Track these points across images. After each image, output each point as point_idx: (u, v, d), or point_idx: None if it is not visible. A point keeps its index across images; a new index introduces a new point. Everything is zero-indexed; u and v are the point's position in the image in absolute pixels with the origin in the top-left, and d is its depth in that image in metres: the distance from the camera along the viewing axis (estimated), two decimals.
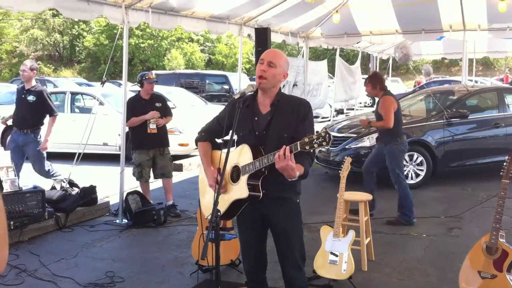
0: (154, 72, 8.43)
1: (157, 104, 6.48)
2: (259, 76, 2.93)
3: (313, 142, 2.56)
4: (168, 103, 7.18)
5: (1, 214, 1.29)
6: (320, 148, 2.56)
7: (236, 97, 2.95)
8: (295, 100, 3.10)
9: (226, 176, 2.98)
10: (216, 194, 2.74)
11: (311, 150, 2.60)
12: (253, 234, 3.14)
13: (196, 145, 3.27)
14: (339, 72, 13.26)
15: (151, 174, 6.64)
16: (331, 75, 16.67)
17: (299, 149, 2.61)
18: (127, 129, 6.56)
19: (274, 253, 3.17)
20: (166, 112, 6.56)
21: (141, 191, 6.55)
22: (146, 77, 6.40)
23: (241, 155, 2.93)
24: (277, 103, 2.98)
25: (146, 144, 6.41)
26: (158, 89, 7.07)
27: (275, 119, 2.96)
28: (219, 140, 3.27)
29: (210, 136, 3.22)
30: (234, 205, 2.97)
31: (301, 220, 3.14)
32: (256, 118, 3.01)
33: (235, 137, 2.97)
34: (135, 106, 6.37)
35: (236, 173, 2.96)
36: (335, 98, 14.88)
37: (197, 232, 4.60)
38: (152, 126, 6.31)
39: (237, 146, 3.01)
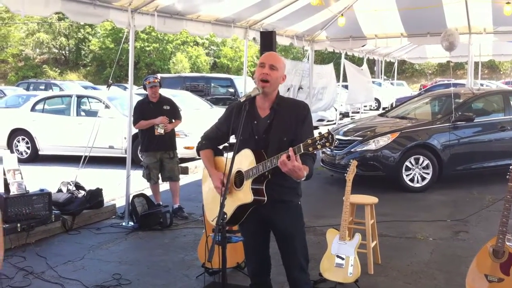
0: (159, 75, 8.45)
1: (165, 107, 6.49)
2: (262, 79, 2.91)
3: (316, 144, 2.56)
4: None
5: None
6: (323, 149, 2.55)
7: (242, 100, 2.95)
8: (293, 103, 3.09)
9: (230, 182, 2.97)
10: (222, 196, 2.74)
11: (314, 152, 2.59)
12: (256, 237, 3.15)
13: (198, 154, 3.24)
14: (351, 74, 13.20)
15: (160, 176, 6.66)
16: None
17: (302, 151, 2.60)
18: (133, 132, 6.58)
19: (280, 256, 3.17)
20: (174, 115, 6.58)
21: (151, 192, 6.59)
22: (146, 82, 6.45)
23: (244, 160, 2.91)
24: (277, 107, 2.97)
25: (152, 146, 6.43)
26: (163, 92, 7.08)
27: (274, 122, 2.95)
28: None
29: (211, 143, 3.20)
30: (239, 210, 2.96)
31: (303, 222, 3.15)
32: (255, 122, 3.00)
33: (235, 140, 2.95)
34: (143, 109, 6.40)
35: (239, 178, 2.95)
36: (349, 101, 14.75)
37: (204, 235, 4.60)
38: (160, 130, 6.31)
39: (237, 151, 2.96)
